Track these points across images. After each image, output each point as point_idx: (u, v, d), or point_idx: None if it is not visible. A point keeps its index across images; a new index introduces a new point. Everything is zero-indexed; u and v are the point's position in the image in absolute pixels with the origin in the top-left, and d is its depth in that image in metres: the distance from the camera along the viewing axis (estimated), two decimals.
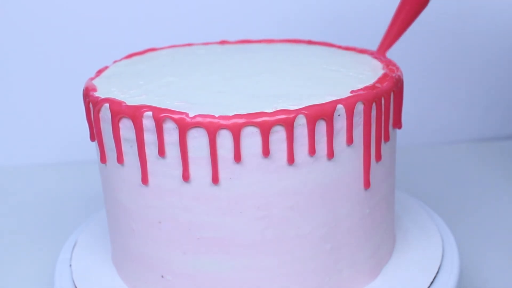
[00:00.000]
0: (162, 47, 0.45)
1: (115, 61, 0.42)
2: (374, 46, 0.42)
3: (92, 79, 0.37)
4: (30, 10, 0.63)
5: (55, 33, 0.64)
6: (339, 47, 0.43)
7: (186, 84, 0.35)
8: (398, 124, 0.35)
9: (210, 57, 0.41)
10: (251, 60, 0.39)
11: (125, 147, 0.32)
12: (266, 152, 0.30)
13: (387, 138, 0.34)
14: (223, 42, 0.46)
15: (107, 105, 0.32)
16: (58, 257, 0.40)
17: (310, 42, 0.45)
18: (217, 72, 0.37)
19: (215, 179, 0.30)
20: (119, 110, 0.31)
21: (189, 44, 0.46)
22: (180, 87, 0.34)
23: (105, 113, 0.32)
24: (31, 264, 0.48)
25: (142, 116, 0.30)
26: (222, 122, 0.29)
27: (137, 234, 0.34)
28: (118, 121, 0.32)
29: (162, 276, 0.34)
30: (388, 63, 0.37)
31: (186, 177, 0.30)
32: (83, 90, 0.35)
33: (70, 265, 0.39)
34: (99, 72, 0.39)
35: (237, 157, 0.30)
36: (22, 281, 0.46)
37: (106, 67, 0.40)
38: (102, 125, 0.33)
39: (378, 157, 0.33)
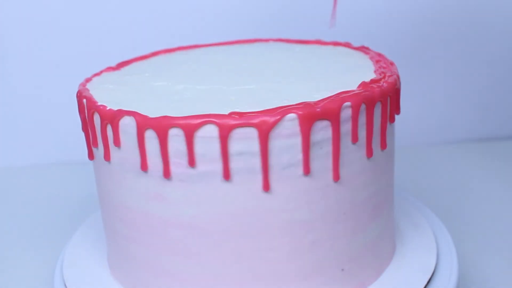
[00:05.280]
0: (165, 49, 0.45)
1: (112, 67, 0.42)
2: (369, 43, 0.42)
3: (87, 81, 0.38)
4: (30, 11, 0.63)
5: (54, 34, 0.64)
6: (348, 46, 0.43)
7: (197, 90, 0.35)
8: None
9: (209, 58, 0.41)
10: (251, 61, 0.39)
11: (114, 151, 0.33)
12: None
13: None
14: (219, 44, 0.46)
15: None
16: (58, 257, 0.40)
17: (300, 41, 0.45)
18: (223, 74, 0.37)
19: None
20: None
21: (194, 46, 0.46)
22: (192, 93, 0.34)
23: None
24: (31, 264, 0.48)
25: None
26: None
27: (136, 237, 0.34)
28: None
29: (159, 277, 0.34)
30: (384, 64, 0.37)
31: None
32: (76, 93, 0.36)
33: (69, 266, 0.39)
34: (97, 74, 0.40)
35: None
36: (22, 281, 0.46)
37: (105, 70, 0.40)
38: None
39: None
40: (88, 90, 0.36)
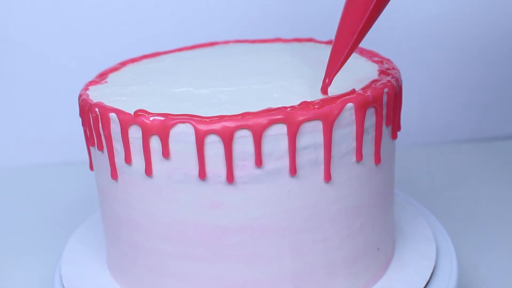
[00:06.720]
0: (165, 51, 0.45)
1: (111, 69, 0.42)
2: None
3: (90, 84, 0.38)
4: (30, 10, 0.63)
5: (55, 35, 0.64)
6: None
7: (226, 92, 0.34)
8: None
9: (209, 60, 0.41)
10: (250, 62, 0.39)
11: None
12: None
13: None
14: (214, 44, 0.45)
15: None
16: (58, 257, 0.40)
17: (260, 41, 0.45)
18: (234, 75, 0.37)
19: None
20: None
21: (194, 47, 0.46)
22: (224, 96, 0.33)
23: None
24: (31, 264, 0.48)
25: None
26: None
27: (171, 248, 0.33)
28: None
29: (156, 275, 0.34)
30: (387, 65, 0.37)
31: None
32: (78, 96, 0.35)
33: (68, 266, 0.39)
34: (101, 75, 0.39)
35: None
36: (22, 280, 0.46)
37: (106, 73, 0.40)
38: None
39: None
40: (101, 102, 0.33)
